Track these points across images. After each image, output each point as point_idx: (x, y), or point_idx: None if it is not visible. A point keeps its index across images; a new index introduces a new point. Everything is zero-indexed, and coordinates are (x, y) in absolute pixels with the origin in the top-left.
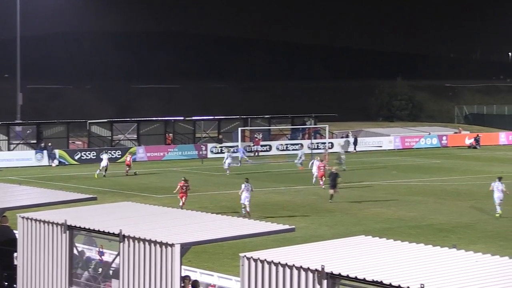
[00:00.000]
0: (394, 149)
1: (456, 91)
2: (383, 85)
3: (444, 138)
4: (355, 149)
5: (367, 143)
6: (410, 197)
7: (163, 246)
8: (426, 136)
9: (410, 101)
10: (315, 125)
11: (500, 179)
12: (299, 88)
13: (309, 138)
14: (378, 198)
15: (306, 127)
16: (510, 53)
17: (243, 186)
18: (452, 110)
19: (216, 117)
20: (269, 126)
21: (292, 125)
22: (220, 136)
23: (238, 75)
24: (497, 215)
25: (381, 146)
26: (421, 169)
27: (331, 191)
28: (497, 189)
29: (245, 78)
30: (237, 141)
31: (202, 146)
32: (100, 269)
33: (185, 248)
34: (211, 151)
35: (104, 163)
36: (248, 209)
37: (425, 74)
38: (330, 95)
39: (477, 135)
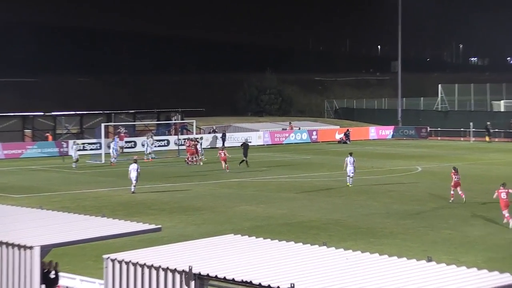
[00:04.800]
0: (263, 145)
1: (326, 85)
2: (251, 79)
3: (314, 133)
4: (223, 144)
5: (236, 138)
6: (280, 193)
7: (22, 249)
8: (296, 131)
9: (279, 95)
10: (182, 120)
11: (351, 154)
12: (164, 82)
13: (176, 134)
14: (247, 195)
15: (173, 122)
16: (379, 47)
17: (130, 166)
18: (322, 104)
19: (78, 112)
20: (134, 122)
21: (158, 121)
22: (78, 130)
23: (100, 69)
24: (350, 185)
25: (250, 142)
26: (291, 165)
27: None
28: (350, 163)
29: (108, 72)
30: (100, 138)
31: (63, 143)
32: None
33: (45, 250)
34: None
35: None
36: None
37: (294, 68)
38: (197, 89)
39: (347, 129)
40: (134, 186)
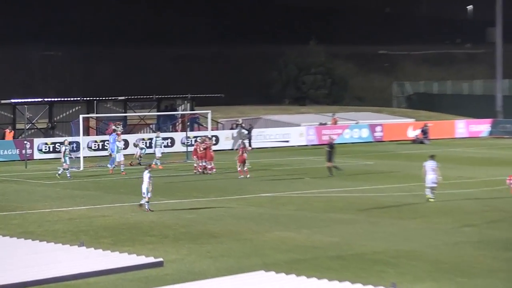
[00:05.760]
0: (306, 146)
1: (395, 61)
2: (289, 53)
3: (378, 129)
4: (250, 145)
5: (267, 136)
6: (330, 214)
7: None
8: (353, 126)
9: (328, 76)
10: (192, 110)
11: (432, 157)
12: (167, 57)
13: (183, 130)
14: (283, 216)
15: (179, 114)
16: (470, 7)
17: (143, 174)
18: (389, 88)
19: (46, 99)
20: (125, 113)
21: (158, 111)
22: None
23: (77, 37)
24: (431, 200)
25: (288, 141)
26: (346, 173)
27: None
28: (430, 170)
29: (88, 42)
30: (78, 135)
31: (26, 142)
32: None
33: None
34: (39, 150)
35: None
36: (147, 199)
37: (350, 37)
38: (213, 67)
39: (425, 124)
40: (147, 201)
